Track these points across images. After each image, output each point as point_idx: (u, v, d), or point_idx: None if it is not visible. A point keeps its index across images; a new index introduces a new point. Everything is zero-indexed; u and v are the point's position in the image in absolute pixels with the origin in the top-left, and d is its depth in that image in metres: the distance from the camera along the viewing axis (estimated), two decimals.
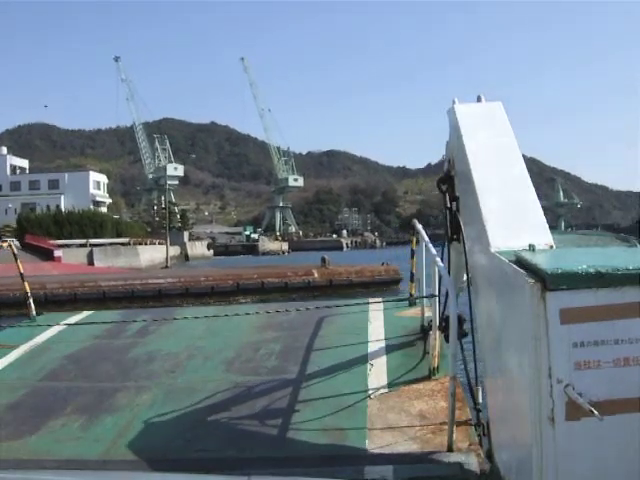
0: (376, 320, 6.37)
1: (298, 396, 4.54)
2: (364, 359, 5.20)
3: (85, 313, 8.10)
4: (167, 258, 49.57)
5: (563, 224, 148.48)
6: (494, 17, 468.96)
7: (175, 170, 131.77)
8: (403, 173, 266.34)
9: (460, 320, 3.90)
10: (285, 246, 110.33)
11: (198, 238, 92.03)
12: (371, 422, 4.01)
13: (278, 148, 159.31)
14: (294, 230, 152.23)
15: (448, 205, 4.02)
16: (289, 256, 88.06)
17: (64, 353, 6.06)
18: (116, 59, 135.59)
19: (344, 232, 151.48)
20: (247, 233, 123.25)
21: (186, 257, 69.06)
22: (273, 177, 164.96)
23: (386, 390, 4.52)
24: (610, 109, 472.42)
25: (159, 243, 57.29)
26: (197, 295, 24.16)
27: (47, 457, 3.83)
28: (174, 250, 55.62)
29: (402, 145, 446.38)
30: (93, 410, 4.53)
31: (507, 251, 2.76)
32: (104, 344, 6.43)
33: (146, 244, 57.10)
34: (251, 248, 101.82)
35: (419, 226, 5.85)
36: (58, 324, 7.07)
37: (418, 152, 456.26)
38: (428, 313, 5.57)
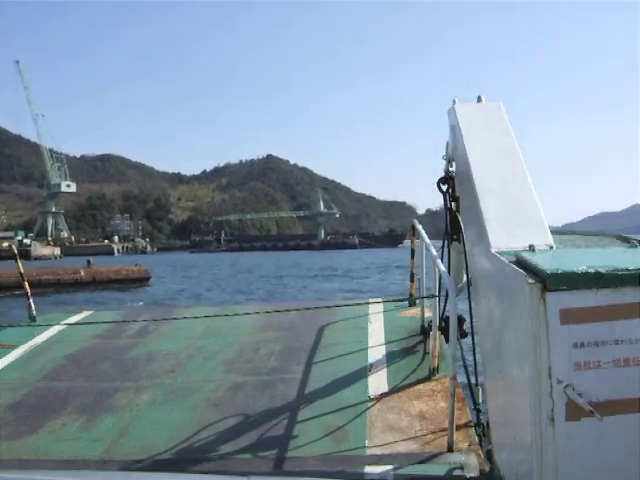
0: (376, 320, 6.38)
1: (298, 396, 4.53)
2: (364, 359, 5.19)
3: (85, 313, 8.09)
4: None
5: (323, 232, 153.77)
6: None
7: None
8: (178, 179, 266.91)
9: (460, 320, 3.90)
10: (57, 251, 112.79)
11: None
12: (371, 422, 4.00)
13: (51, 151, 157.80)
14: (66, 235, 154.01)
15: (448, 205, 4.02)
16: (61, 261, 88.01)
17: (64, 353, 6.06)
18: None
19: (115, 238, 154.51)
20: (19, 238, 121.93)
21: None
22: (46, 181, 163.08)
23: (386, 390, 4.52)
24: (386, 121, 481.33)
25: None
26: None
27: (47, 457, 3.83)
28: None
29: (178, 151, 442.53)
30: (93, 410, 4.53)
31: (507, 251, 2.76)
32: (104, 344, 6.42)
33: None
34: (23, 253, 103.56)
35: (419, 226, 5.85)
36: (58, 324, 7.07)
37: (194, 158, 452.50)
38: (428, 313, 5.57)
